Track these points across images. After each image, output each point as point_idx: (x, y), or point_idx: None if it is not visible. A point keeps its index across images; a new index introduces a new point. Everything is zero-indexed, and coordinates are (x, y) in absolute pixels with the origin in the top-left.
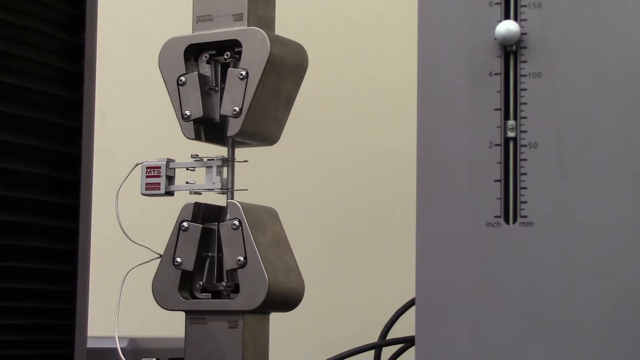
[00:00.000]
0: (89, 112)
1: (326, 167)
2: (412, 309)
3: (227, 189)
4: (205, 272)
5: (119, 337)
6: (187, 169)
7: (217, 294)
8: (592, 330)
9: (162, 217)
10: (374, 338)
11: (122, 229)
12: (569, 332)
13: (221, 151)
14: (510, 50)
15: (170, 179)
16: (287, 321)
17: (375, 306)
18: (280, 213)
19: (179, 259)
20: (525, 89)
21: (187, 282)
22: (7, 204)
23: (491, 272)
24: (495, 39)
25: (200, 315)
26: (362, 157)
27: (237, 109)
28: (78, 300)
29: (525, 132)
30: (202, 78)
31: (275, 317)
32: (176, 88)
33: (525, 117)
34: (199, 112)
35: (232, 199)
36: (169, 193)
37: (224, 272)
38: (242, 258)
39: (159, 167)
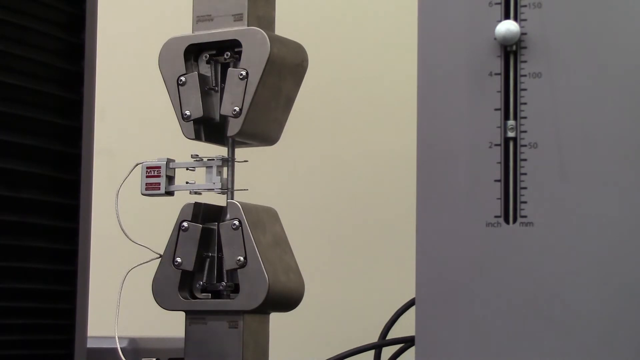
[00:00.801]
0: (89, 112)
1: (326, 167)
2: (412, 309)
3: (227, 189)
4: (205, 272)
5: (119, 337)
6: (187, 169)
7: (217, 294)
8: (592, 329)
9: (162, 217)
10: (374, 338)
11: (122, 229)
12: (569, 331)
13: (221, 151)
14: (510, 50)
15: (170, 179)
16: (287, 321)
17: (375, 306)
18: (280, 213)
19: (179, 259)
20: (525, 89)
21: (187, 282)
22: (7, 204)
23: (491, 272)
24: (495, 39)
25: (200, 315)
26: (362, 157)
27: (237, 109)
28: (78, 300)
29: (525, 132)
30: (202, 78)
31: (275, 317)
32: (176, 88)
33: (525, 117)
34: (199, 112)
35: (232, 199)
36: (169, 193)
37: (224, 272)
38: (242, 258)
39: (159, 167)
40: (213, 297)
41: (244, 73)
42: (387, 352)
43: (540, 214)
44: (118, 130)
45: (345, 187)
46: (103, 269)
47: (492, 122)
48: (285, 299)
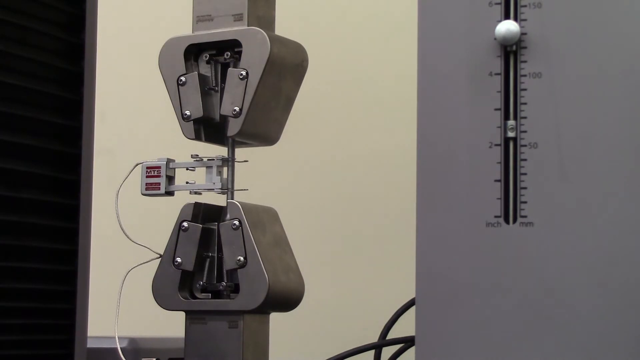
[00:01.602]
0: (89, 112)
1: (326, 167)
2: (412, 309)
3: (227, 189)
4: (205, 272)
5: (119, 337)
6: (187, 169)
7: (217, 294)
8: (592, 330)
9: (162, 217)
10: (374, 338)
11: (122, 229)
12: (569, 332)
13: (221, 151)
14: (510, 50)
15: (170, 179)
16: (287, 321)
17: (375, 306)
18: (280, 213)
19: (179, 259)
20: (525, 89)
21: (187, 282)
22: (7, 204)
23: (491, 272)
24: (495, 39)
25: (200, 315)
26: (362, 157)
27: (237, 109)
28: (78, 300)
29: (525, 132)
30: (202, 78)
31: (275, 317)
32: (176, 88)
33: (525, 117)
34: (199, 112)
35: (232, 199)
36: (169, 193)
37: (224, 272)
38: (242, 258)
39: (159, 167)
40: (213, 297)
41: (244, 73)
42: (387, 352)
43: (540, 214)
44: (118, 130)
45: (345, 187)
46: (103, 269)
47: (492, 122)
48: (285, 299)
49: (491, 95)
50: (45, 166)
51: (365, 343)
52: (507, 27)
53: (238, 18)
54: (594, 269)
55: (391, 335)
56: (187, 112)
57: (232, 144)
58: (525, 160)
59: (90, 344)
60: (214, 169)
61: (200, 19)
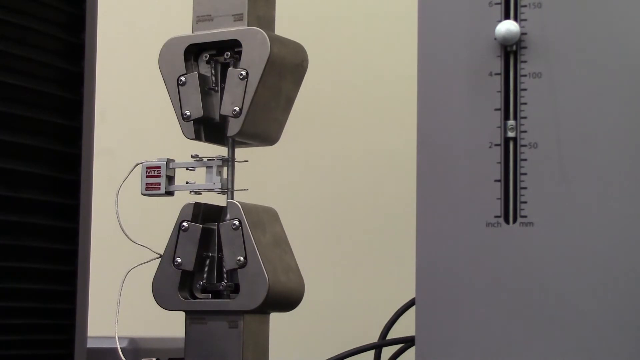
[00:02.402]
0: (89, 112)
1: (326, 167)
2: (412, 309)
3: (227, 189)
4: (205, 272)
5: (119, 337)
6: (187, 169)
7: (217, 294)
8: (593, 329)
9: (162, 217)
10: (374, 338)
11: (122, 229)
12: (569, 331)
13: (221, 151)
14: (510, 50)
15: (170, 179)
16: (287, 321)
17: (375, 306)
18: (280, 213)
19: (179, 259)
20: (525, 89)
21: (187, 282)
22: (7, 204)
23: (491, 272)
24: (495, 39)
25: (200, 315)
26: (362, 157)
27: (237, 109)
28: (78, 300)
29: (525, 132)
30: (202, 78)
31: (275, 317)
32: (176, 88)
33: (525, 117)
34: (199, 112)
35: (232, 199)
36: (169, 193)
37: (224, 272)
38: (242, 258)
39: (159, 167)
40: (213, 297)
41: (244, 73)
42: (387, 352)
43: (540, 214)
44: (118, 130)
45: (345, 187)
46: (103, 269)
47: (492, 122)
48: (285, 299)
49: (491, 95)
50: (45, 166)
51: (365, 343)
52: (507, 27)
53: (238, 18)
54: (594, 269)
55: (391, 335)
56: (187, 112)
57: (232, 144)
58: (525, 160)
59: (90, 344)
60: (214, 169)
61: (200, 19)
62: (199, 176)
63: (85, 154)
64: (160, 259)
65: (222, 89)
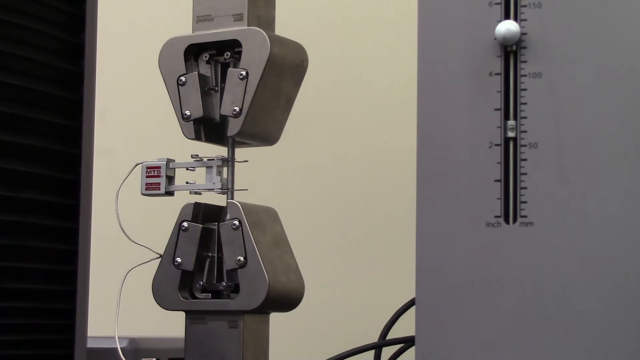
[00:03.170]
0: (89, 112)
1: (326, 167)
2: (412, 309)
3: (227, 189)
4: (205, 272)
5: (119, 337)
6: (187, 169)
7: (217, 294)
8: (592, 329)
9: (162, 217)
10: (374, 338)
11: (122, 229)
12: (569, 331)
13: (221, 151)
14: (510, 50)
15: (170, 179)
16: (287, 321)
17: (375, 306)
18: (280, 213)
19: (179, 259)
20: (525, 89)
21: (187, 282)
22: (7, 204)
23: (491, 272)
24: (495, 39)
25: (200, 315)
26: (362, 157)
27: (237, 109)
28: (78, 300)
29: (525, 132)
30: (202, 78)
31: (275, 317)
32: (176, 88)
33: (525, 117)
34: (199, 112)
35: (232, 199)
36: (169, 193)
37: (224, 272)
38: (242, 258)
39: (159, 167)
40: (213, 297)
41: (244, 73)
42: (387, 352)
43: (540, 214)
44: (118, 130)
45: (345, 187)
46: (103, 269)
47: (492, 122)
48: (285, 299)
49: (491, 95)
50: (45, 166)
51: (365, 343)
52: (507, 27)
53: (238, 18)
54: (594, 269)
55: (391, 335)
56: (187, 112)
57: (232, 144)
58: (525, 160)
59: (90, 344)
60: (214, 169)
61: (200, 19)
62: (199, 176)
63: (85, 154)
64: (160, 259)
65: (222, 89)
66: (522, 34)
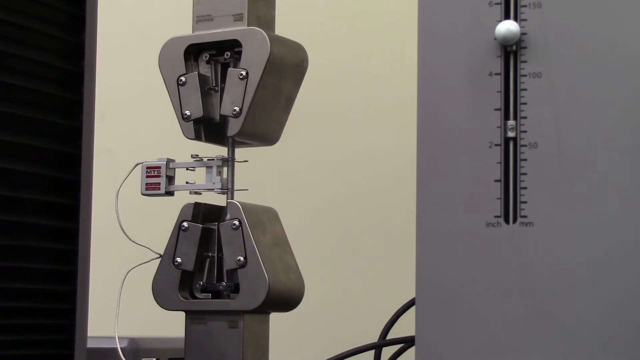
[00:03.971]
0: (89, 112)
1: (326, 167)
2: (412, 309)
3: (227, 189)
4: (205, 272)
5: (119, 337)
6: (187, 169)
7: (217, 294)
8: (592, 330)
9: (162, 217)
10: (374, 338)
11: (122, 229)
12: (569, 332)
13: (221, 151)
14: (510, 50)
15: (170, 179)
16: (287, 321)
17: (375, 306)
18: (280, 213)
19: (179, 259)
20: (525, 89)
21: (187, 282)
22: (7, 204)
23: (491, 272)
24: (495, 39)
25: (200, 315)
26: (362, 157)
27: (237, 109)
28: (78, 300)
29: (525, 132)
30: (202, 78)
31: (275, 317)
32: (176, 88)
33: (525, 117)
34: (199, 112)
35: (232, 199)
36: (169, 193)
37: (224, 272)
38: (242, 258)
39: (159, 167)
40: (213, 297)
41: (244, 73)
42: (387, 352)
43: (540, 214)
44: (118, 130)
45: (345, 187)
46: (103, 269)
47: (492, 122)
48: (285, 299)
49: (491, 95)
50: (45, 166)
51: (365, 343)
52: (507, 27)
53: (238, 18)
54: (594, 269)
55: (391, 335)
56: (187, 112)
57: (232, 144)
58: (525, 160)
59: (90, 344)
60: (214, 169)
61: (200, 19)
62: (199, 176)
63: (85, 154)
64: (160, 259)
65: (222, 89)
66: (522, 34)
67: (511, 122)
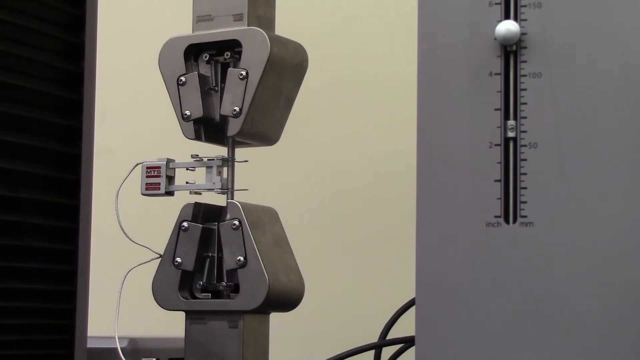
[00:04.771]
0: (89, 112)
1: (326, 167)
2: (412, 309)
3: (227, 189)
4: (205, 272)
5: (119, 337)
6: (187, 169)
7: (217, 294)
8: (592, 330)
9: (162, 217)
10: (374, 338)
11: (122, 229)
12: (569, 332)
13: (221, 151)
14: (510, 50)
15: (170, 179)
16: (287, 321)
17: (375, 306)
18: (280, 213)
19: (179, 259)
20: (525, 89)
21: (187, 282)
22: (7, 204)
23: (491, 272)
24: (495, 39)
25: (200, 315)
26: (362, 157)
27: (237, 109)
28: (78, 300)
29: (525, 132)
30: (202, 78)
31: (275, 317)
32: (176, 88)
33: (525, 117)
34: (199, 112)
35: (232, 199)
36: (169, 193)
37: (224, 272)
38: (242, 258)
39: (159, 167)
40: (213, 297)
41: (244, 73)
42: (387, 352)
43: (540, 214)
44: (118, 130)
45: (345, 187)
46: (103, 269)
47: (492, 122)
48: (285, 299)
49: (491, 95)
50: (45, 166)
51: (365, 343)
52: (507, 27)
53: (238, 18)
54: (594, 269)
55: (391, 335)
56: (187, 112)
57: (232, 144)
58: (525, 160)
59: (90, 344)
60: (214, 169)
61: (200, 19)
62: (199, 176)
63: (85, 154)
64: (160, 259)
65: (222, 89)
66: (522, 34)
67: (511, 122)
